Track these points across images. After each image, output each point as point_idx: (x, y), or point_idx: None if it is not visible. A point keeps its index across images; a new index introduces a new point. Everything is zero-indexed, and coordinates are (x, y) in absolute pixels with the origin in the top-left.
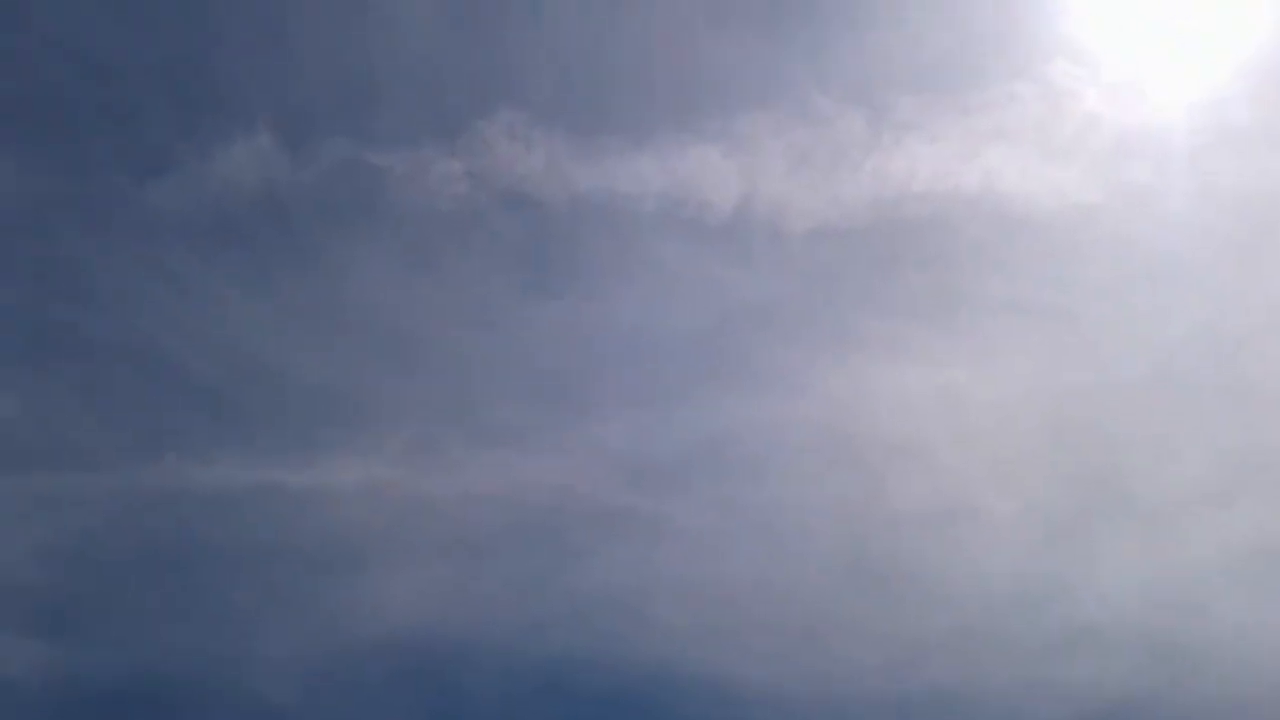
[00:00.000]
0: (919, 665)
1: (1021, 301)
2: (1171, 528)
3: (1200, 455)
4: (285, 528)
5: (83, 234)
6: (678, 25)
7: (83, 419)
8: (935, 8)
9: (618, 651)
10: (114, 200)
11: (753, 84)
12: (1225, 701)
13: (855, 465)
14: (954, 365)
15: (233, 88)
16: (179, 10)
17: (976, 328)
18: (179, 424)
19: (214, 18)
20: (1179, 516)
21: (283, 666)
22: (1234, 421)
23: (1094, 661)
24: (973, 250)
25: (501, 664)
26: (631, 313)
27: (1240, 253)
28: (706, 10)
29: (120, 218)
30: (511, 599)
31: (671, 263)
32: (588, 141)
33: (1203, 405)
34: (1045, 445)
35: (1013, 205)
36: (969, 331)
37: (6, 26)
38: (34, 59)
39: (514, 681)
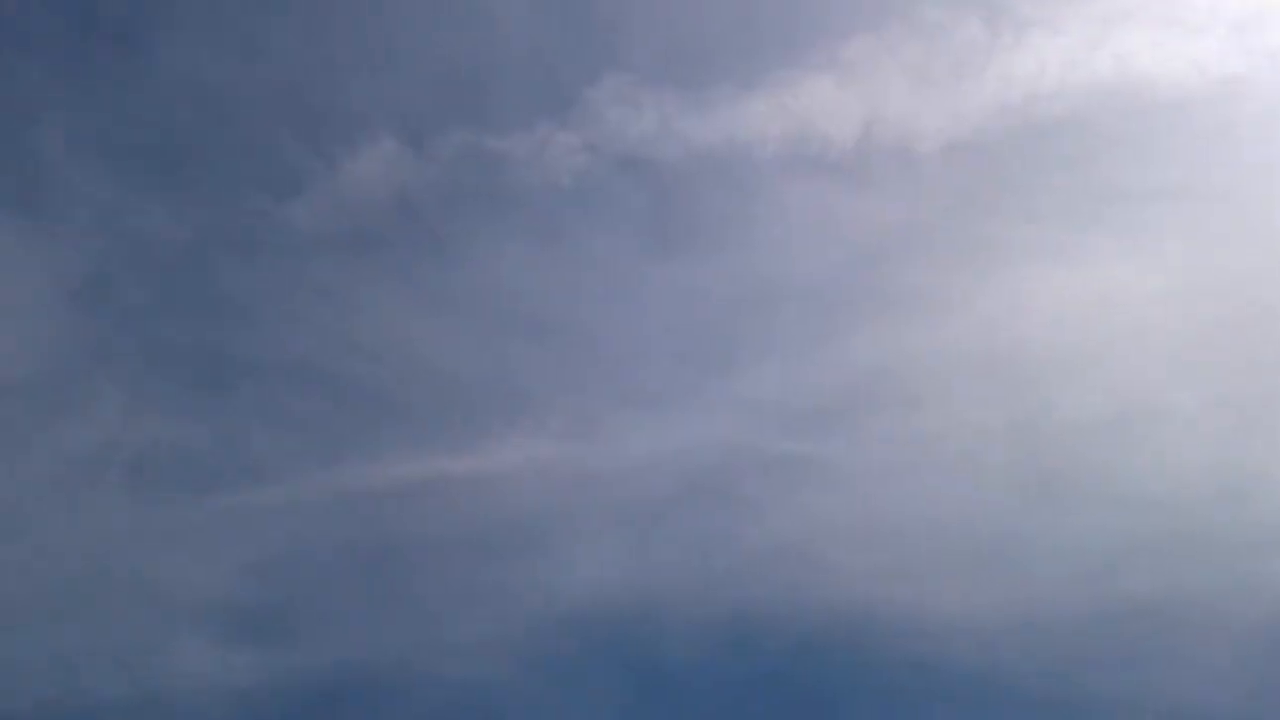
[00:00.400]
0: (1114, 577)
1: (1174, 187)
2: None
3: None
4: (462, 515)
5: (235, 262)
6: None
7: (261, 436)
8: None
9: (801, 599)
10: (258, 225)
11: (858, 5)
12: None
13: (1022, 381)
14: (1112, 263)
15: (351, 99)
16: (289, 35)
17: (1131, 221)
18: (349, 429)
19: (322, 36)
20: None
21: (478, 649)
22: None
23: None
24: (1114, 141)
25: (688, 625)
26: (767, 259)
27: None
28: None
29: (266, 240)
30: (689, 560)
31: (800, 203)
32: (697, 94)
33: None
34: (1222, 332)
35: (1151, 88)
36: (1123, 226)
37: (138, 74)
38: (165, 100)
39: (703, 640)
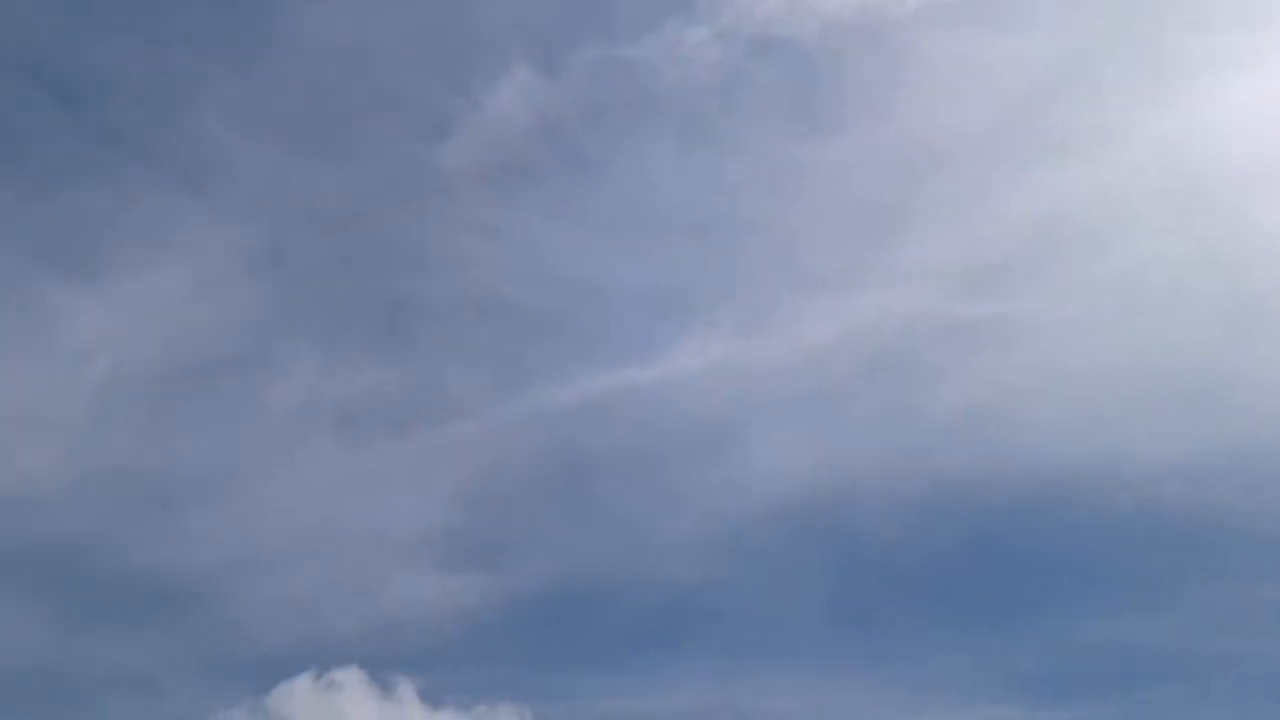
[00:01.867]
0: None
1: None
2: None
3: None
4: (650, 424)
5: (398, 212)
6: None
7: (449, 373)
8: None
9: (999, 463)
10: (414, 173)
11: None
12: None
13: (1213, 203)
14: None
15: (480, 37)
16: None
17: None
18: (529, 355)
19: None
20: None
21: (683, 551)
22: None
23: None
24: None
25: (885, 501)
26: (920, 121)
27: None
28: None
29: (425, 187)
30: (880, 437)
31: (947, 55)
32: None
33: None
34: None
35: None
36: None
37: (280, 44)
38: (308, 66)
39: (902, 515)
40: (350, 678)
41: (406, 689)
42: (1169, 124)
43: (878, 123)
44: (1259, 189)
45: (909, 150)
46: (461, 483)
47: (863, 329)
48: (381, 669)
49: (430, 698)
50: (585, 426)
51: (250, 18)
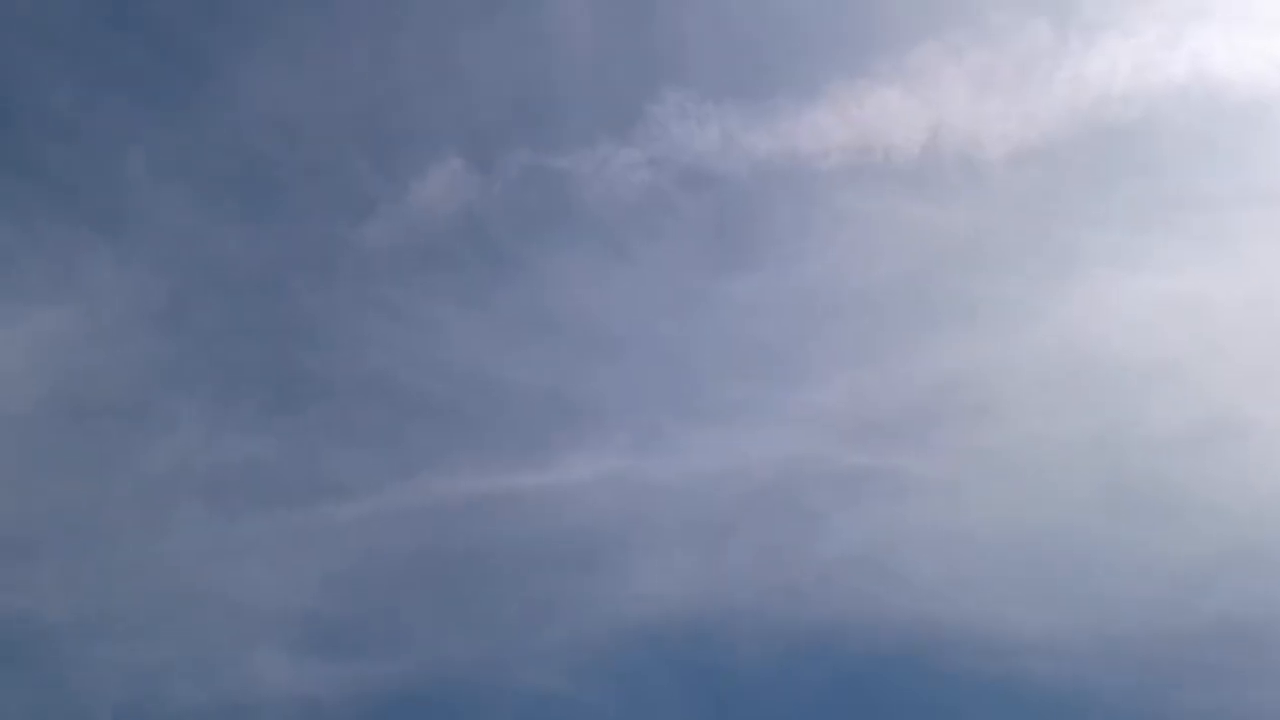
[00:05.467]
0: (1202, 594)
1: (1255, 191)
2: None
3: None
4: (532, 528)
5: (308, 284)
6: None
7: (335, 452)
8: None
9: (873, 611)
10: (330, 248)
11: (921, 11)
12: None
13: (1101, 391)
14: (1192, 269)
15: (418, 122)
16: (356, 63)
17: (1211, 227)
18: (420, 444)
19: (387, 62)
20: None
21: (550, 660)
22: None
23: None
24: (1191, 145)
25: (758, 636)
26: (833, 271)
27: None
28: None
29: (339, 263)
30: (759, 571)
31: (865, 213)
32: (760, 106)
33: None
34: None
35: (1228, 89)
36: (1203, 232)
37: (216, 103)
38: (242, 128)
39: (773, 651)
40: None
41: None
42: (1063, 310)
43: (788, 267)
44: (1144, 385)
45: (814, 298)
46: (332, 565)
47: (750, 464)
48: None
49: None
50: (467, 522)
51: (190, 70)
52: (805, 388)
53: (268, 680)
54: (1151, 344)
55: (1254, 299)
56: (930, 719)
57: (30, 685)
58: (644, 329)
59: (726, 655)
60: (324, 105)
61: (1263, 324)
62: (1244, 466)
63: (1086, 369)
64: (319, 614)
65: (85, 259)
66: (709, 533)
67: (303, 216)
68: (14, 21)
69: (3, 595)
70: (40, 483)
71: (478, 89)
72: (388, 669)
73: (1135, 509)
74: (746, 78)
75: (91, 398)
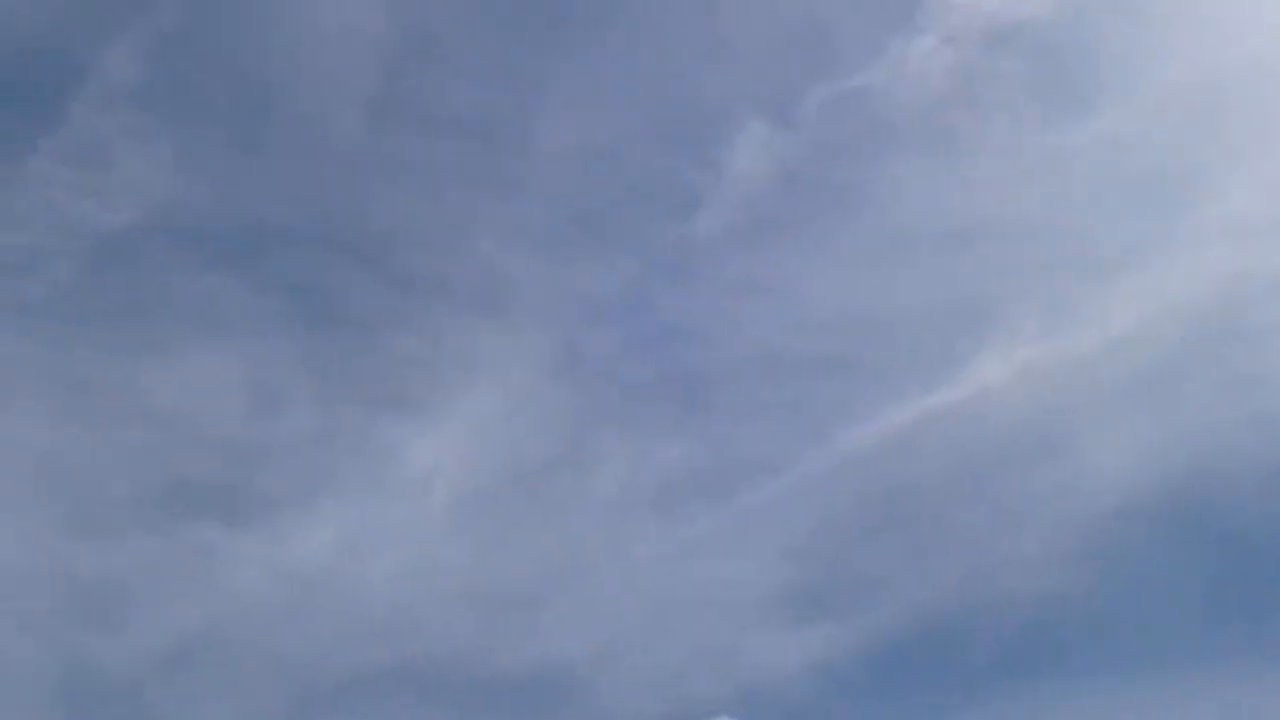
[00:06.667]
0: None
1: None
2: None
3: None
4: (967, 443)
5: (664, 290)
6: None
7: (748, 434)
8: None
9: None
10: (673, 249)
11: None
12: None
13: None
14: None
15: (708, 106)
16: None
17: None
18: (825, 400)
19: (666, 61)
20: None
21: (1035, 566)
22: None
23: None
24: None
25: (1244, 476)
26: (1193, 65)
27: None
28: None
29: (684, 260)
30: (1221, 408)
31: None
32: None
33: None
34: None
35: None
36: None
37: (535, 152)
38: (560, 173)
39: (1269, 487)
40: None
41: None
42: None
43: (1142, 83)
44: None
45: (1183, 102)
46: (788, 538)
47: (1176, 302)
48: None
49: None
50: (899, 459)
51: (501, 141)
52: (1204, 203)
53: (773, 657)
54: None
55: None
56: None
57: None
58: (1004, 209)
59: (1212, 508)
60: (622, 126)
61: None
62: None
63: None
64: (794, 586)
65: (477, 344)
66: (1150, 390)
67: (639, 232)
68: None
69: (516, 649)
70: (511, 544)
71: (746, 49)
72: (878, 616)
73: None
74: None
75: (527, 461)
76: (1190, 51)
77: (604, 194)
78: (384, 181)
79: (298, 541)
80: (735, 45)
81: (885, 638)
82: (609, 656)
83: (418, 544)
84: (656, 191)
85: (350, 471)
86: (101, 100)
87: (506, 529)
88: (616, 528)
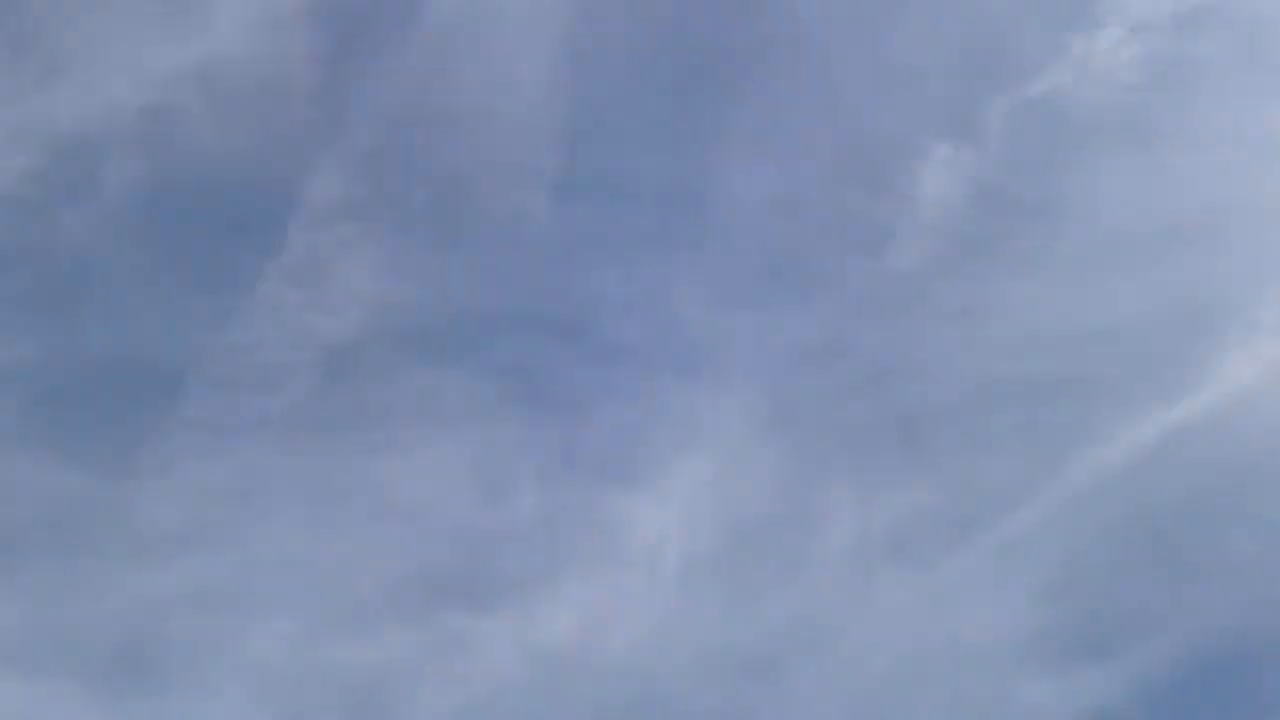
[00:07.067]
0: None
1: None
2: None
3: None
4: (1216, 453)
5: (870, 330)
6: None
7: (982, 466)
8: None
9: None
10: (870, 286)
11: None
12: None
13: None
14: None
15: (887, 135)
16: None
17: None
18: (1061, 422)
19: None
20: None
21: None
22: None
23: None
24: None
25: None
26: None
27: None
28: None
29: (884, 296)
30: None
31: None
32: None
33: None
34: None
35: None
36: None
37: (723, 201)
38: (746, 218)
39: None
40: None
41: None
42: None
43: None
44: None
45: None
46: (1040, 576)
47: None
48: None
49: None
50: (1149, 479)
51: (687, 202)
52: None
53: (1043, 706)
54: None
55: None
56: None
57: None
58: (1229, 198)
59: None
60: (805, 176)
61: None
62: None
63: None
64: (1054, 626)
65: (689, 410)
66: None
67: (841, 270)
68: None
69: (771, 709)
70: (751, 605)
71: (919, 71)
72: (1154, 653)
73: None
74: None
75: (754, 519)
76: None
77: (795, 240)
78: (579, 256)
79: (541, 621)
80: (907, 69)
81: (1165, 676)
82: (863, 717)
83: (655, 614)
84: (847, 230)
85: (582, 547)
86: (315, 218)
87: (741, 591)
88: (854, 581)
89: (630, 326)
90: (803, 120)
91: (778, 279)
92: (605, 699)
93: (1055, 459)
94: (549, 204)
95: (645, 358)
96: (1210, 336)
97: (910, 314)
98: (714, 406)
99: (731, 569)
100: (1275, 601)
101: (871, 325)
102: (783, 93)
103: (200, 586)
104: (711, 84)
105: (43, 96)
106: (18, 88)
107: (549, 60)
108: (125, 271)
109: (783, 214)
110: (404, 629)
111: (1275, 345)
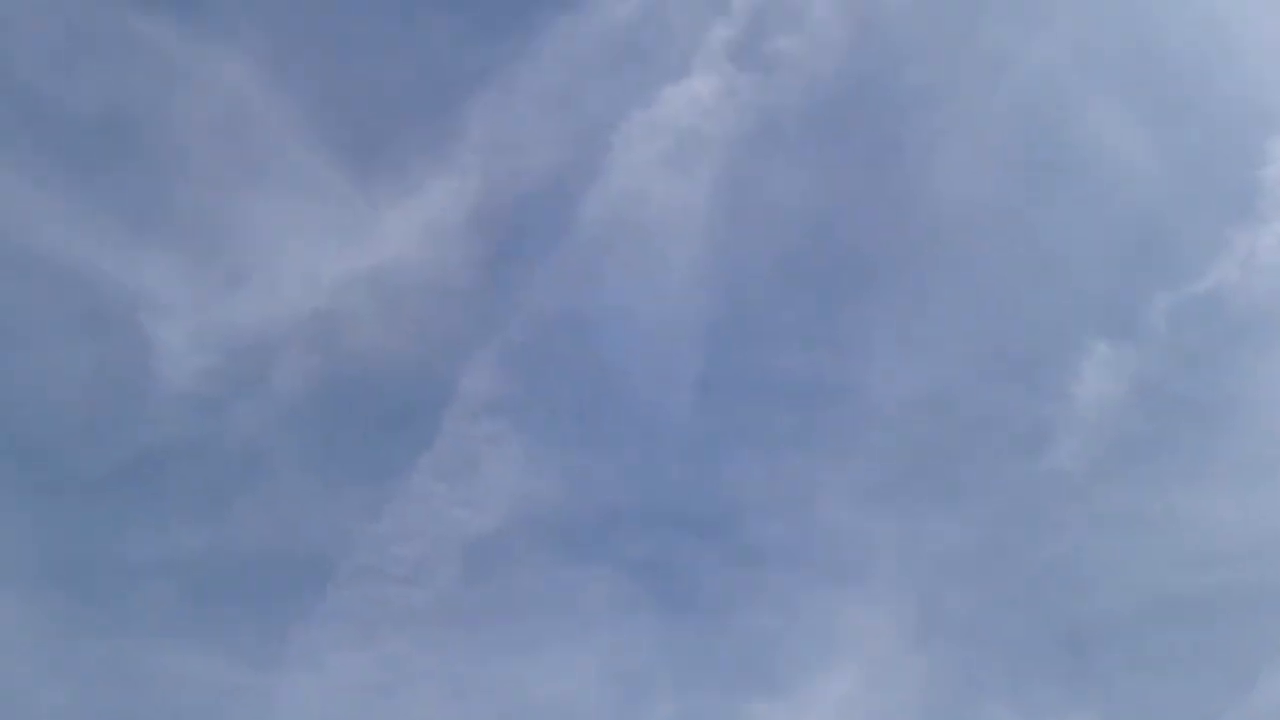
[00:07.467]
0: None
1: None
2: None
3: None
4: None
5: (1029, 539)
6: None
7: (1155, 693)
8: None
9: None
10: (1027, 491)
11: None
12: None
13: None
14: None
15: (1048, 333)
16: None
17: None
18: (1238, 646)
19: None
20: None
21: None
22: None
23: None
24: None
25: None
26: None
27: None
28: None
29: (1043, 501)
30: None
31: None
32: None
33: None
34: None
35: None
36: None
37: (865, 400)
38: (891, 421)
39: None
40: None
41: None
42: None
43: None
44: None
45: None
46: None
47: None
48: None
49: None
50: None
51: (834, 401)
52: None
53: None
54: None
55: None
56: None
57: None
58: None
59: None
60: (959, 365)
61: None
62: None
63: None
64: None
65: (831, 614)
66: None
67: (989, 475)
68: None
69: None
70: None
71: (1077, 266)
72: None
73: None
74: None
75: None
76: None
77: (946, 441)
78: (722, 455)
79: None
80: (1065, 264)
81: None
82: None
83: None
84: (1001, 431)
85: None
86: (466, 413)
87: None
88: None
89: (773, 527)
90: (954, 316)
91: (927, 480)
92: None
93: (1240, 681)
94: (693, 402)
95: (787, 559)
96: None
97: (1070, 520)
98: (859, 613)
99: None
100: None
101: (1028, 531)
102: (933, 288)
103: None
104: (858, 280)
105: (223, 303)
106: (202, 295)
107: (696, 260)
108: (288, 464)
109: (932, 412)
110: None
111: None
